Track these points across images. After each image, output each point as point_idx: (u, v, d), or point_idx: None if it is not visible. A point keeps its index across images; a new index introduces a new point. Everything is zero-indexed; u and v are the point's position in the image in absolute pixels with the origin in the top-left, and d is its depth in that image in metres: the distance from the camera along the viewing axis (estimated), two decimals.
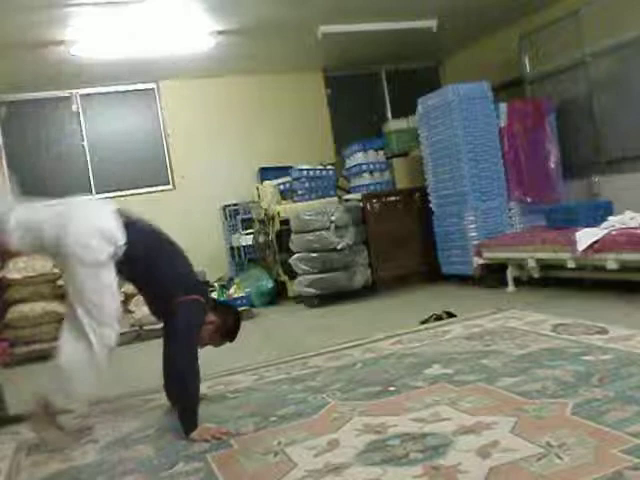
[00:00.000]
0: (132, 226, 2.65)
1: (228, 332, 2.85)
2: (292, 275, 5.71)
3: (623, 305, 3.73)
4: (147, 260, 2.66)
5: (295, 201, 6.32)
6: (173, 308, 2.59)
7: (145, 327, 5.32)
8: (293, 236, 5.61)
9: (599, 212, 4.40)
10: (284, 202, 6.35)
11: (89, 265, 2.49)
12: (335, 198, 6.33)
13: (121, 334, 5.33)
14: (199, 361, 2.55)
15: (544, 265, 4.54)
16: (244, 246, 6.91)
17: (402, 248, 5.76)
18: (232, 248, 7.05)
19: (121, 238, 2.56)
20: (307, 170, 6.37)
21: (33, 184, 6.60)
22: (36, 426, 2.58)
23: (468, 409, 2.31)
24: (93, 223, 2.58)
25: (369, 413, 2.44)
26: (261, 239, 6.44)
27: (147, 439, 2.53)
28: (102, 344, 2.51)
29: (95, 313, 2.50)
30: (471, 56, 7.42)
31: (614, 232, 3.91)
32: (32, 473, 2.36)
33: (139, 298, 5.63)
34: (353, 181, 6.45)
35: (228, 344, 2.95)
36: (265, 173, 7.12)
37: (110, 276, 2.56)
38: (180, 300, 2.61)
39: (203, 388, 3.19)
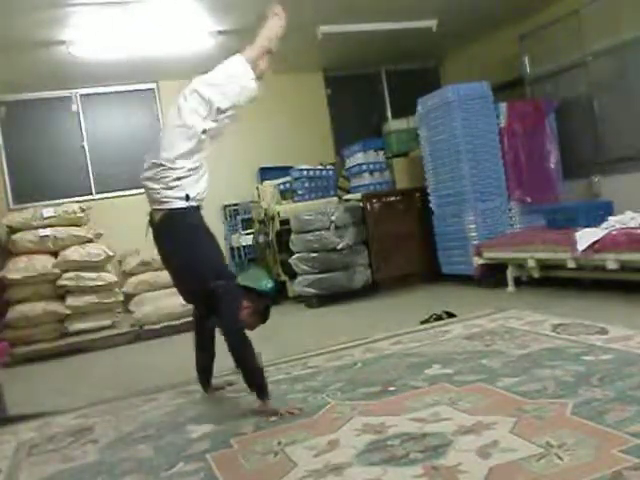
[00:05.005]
0: None
1: (261, 316, 2.98)
2: (292, 275, 5.71)
3: (623, 305, 3.73)
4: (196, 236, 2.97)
5: (295, 201, 6.32)
6: (213, 290, 2.75)
7: (145, 327, 5.32)
8: (293, 236, 5.61)
9: (599, 212, 4.40)
10: (284, 202, 6.35)
11: None
12: (335, 198, 6.33)
13: (121, 334, 5.40)
14: None
15: (544, 265, 4.54)
16: (244, 246, 6.90)
17: (402, 248, 5.76)
18: (232, 248, 7.04)
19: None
20: (307, 170, 6.37)
21: (33, 184, 6.62)
22: None
23: (468, 409, 2.31)
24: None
25: (369, 413, 2.44)
26: (261, 239, 6.43)
27: (147, 439, 2.54)
28: None
29: None
30: (471, 56, 7.42)
31: (614, 232, 3.91)
32: (32, 473, 2.36)
33: (139, 298, 5.65)
34: (353, 181, 6.44)
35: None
36: (265, 173, 7.11)
37: None
38: (220, 283, 2.79)
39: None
